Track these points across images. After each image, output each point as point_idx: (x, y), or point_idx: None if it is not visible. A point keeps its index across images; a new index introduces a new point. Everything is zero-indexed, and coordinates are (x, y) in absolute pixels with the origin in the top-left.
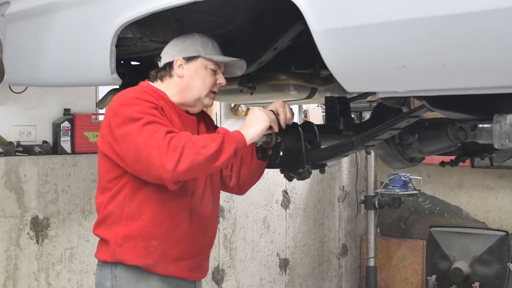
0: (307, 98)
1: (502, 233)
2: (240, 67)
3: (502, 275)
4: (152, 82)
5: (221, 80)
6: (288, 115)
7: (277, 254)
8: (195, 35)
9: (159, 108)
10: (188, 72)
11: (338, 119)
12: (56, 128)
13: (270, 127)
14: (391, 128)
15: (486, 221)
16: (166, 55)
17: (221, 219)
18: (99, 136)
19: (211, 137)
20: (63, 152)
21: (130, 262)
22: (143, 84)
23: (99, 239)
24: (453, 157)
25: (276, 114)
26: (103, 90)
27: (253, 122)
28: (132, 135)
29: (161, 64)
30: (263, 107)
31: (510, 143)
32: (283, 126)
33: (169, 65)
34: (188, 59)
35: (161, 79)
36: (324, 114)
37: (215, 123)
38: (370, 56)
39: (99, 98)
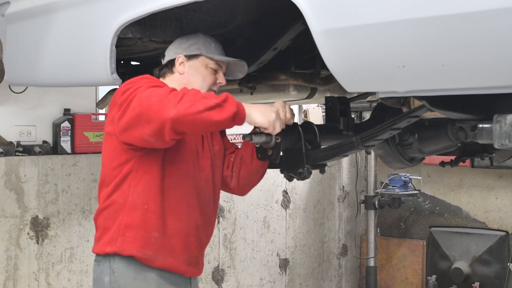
0: (307, 98)
1: (502, 233)
2: (241, 69)
3: (502, 275)
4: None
5: (221, 79)
6: (288, 115)
7: (277, 254)
8: (198, 34)
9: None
10: (189, 70)
11: (338, 119)
12: (56, 128)
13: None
14: (391, 128)
15: (486, 221)
16: (169, 52)
17: (221, 219)
18: (107, 119)
19: (210, 94)
20: (63, 152)
21: (130, 252)
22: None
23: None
24: (453, 157)
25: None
26: (103, 90)
27: (261, 111)
28: (136, 96)
29: (164, 61)
30: None
31: (510, 143)
32: (283, 126)
33: (171, 62)
34: (190, 57)
35: (163, 76)
36: (324, 114)
37: None
38: (370, 56)
39: (99, 98)
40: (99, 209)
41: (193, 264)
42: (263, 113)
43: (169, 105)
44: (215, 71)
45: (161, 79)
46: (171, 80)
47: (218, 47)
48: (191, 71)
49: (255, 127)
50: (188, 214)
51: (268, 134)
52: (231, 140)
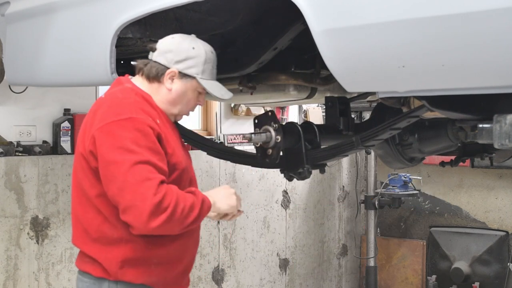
0: (307, 98)
1: (502, 233)
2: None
3: (502, 275)
4: (136, 76)
5: (202, 101)
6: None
7: (277, 254)
8: (201, 50)
9: (155, 131)
10: (178, 88)
11: (338, 119)
12: (56, 128)
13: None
14: (391, 128)
15: (486, 221)
16: (163, 54)
17: None
18: (81, 141)
19: (193, 203)
20: (63, 152)
21: (135, 281)
22: (128, 85)
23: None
24: (453, 157)
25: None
26: (103, 90)
27: (224, 198)
28: (120, 169)
29: (153, 56)
30: None
31: (510, 143)
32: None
33: (162, 68)
34: (184, 75)
35: (149, 80)
36: (324, 114)
37: (215, 123)
38: (370, 56)
39: None
40: (87, 239)
41: (188, 278)
42: (226, 200)
43: (153, 224)
44: (200, 93)
45: (145, 81)
46: (156, 89)
47: (214, 67)
48: (179, 91)
49: (255, 127)
50: (187, 234)
51: (268, 133)
52: (231, 140)
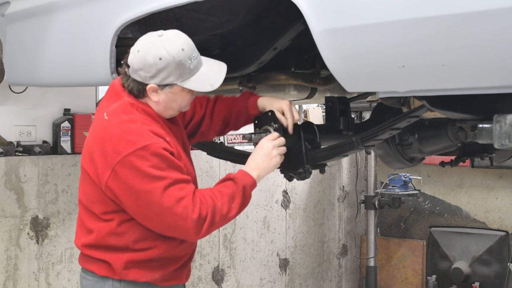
0: (307, 98)
1: (502, 233)
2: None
3: (502, 275)
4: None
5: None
6: (296, 116)
7: (277, 254)
8: (168, 57)
9: (169, 151)
10: (164, 98)
11: (338, 119)
12: (56, 128)
13: None
14: (391, 128)
15: (486, 221)
16: (136, 72)
17: None
18: (87, 158)
19: (233, 194)
20: (63, 152)
21: (139, 280)
22: (126, 99)
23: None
24: (453, 157)
25: (282, 114)
26: (103, 90)
27: (267, 165)
28: (154, 197)
29: (130, 72)
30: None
31: (510, 143)
32: (290, 131)
33: (141, 86)
34: (164, 85)
35: (135, 97)
36: (324, 114)
37: None
38: (370, 56)
39: (99, 98)
40: (92, 244)
41: (189, 268)
42: (268, 163)
43: (201, 234)
44: (190, 90)
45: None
46: (147, 101)
47: (192, 59)
48: (167, 100)
49: (255, 127)
50: None
51: (268, 134)
52: (231, 140)
